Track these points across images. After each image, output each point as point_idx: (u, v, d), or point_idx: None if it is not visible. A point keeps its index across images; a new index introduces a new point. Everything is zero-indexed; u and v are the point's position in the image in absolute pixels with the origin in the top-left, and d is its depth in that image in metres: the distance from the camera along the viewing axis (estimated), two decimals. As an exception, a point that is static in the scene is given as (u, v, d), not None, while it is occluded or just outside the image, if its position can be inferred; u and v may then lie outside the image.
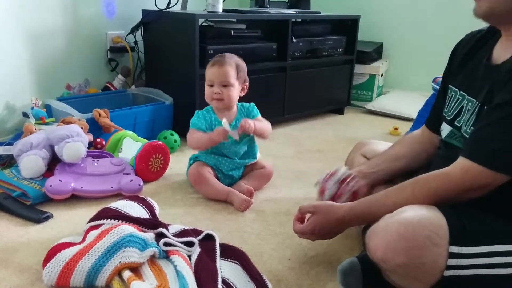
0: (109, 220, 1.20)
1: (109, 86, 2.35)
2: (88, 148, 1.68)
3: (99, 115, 1.86)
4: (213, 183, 1.58)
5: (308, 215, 1.16)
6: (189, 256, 1.14)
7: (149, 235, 1.16)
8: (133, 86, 2.41)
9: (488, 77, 0.99)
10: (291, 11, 2.54)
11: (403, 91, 3.10)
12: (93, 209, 1.32)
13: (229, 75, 1.58)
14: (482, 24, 1.09)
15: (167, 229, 1.22)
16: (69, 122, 1.76)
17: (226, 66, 1.58)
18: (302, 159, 2.06)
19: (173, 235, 1.21)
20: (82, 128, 1.70)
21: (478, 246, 0.87)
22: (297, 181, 1.79)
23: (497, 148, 0.90)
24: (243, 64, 1.66)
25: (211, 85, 1.60)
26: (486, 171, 0.90)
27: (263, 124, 1.66)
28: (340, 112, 2.89)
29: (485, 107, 0.96)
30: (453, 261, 0.85)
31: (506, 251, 0.88)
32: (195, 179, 1.60)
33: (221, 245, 1.22)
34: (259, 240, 1.33)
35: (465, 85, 1.08)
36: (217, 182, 1.59)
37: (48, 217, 1.40)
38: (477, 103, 1.00)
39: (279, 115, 2.49)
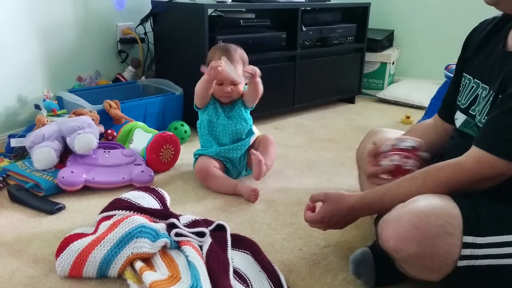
0: (120, 211, 1.21)
1: (120, 77, 2.36)
2: (99, 139, 1.68)
3: (110, 106, 1.87)
4: (220, 177, 1.58)
5: (319, 204, 1.15)
6: (201, 247, 1.15)
7: (161, 226, 1.16)
8: (143, 77, 2.41)
9: (503, 64, 0.96)
10: (301, 0, 2.50)
11: (415, 79, 3.06)
12: (105, 200, 1.33)
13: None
14: (495, 12, 1.07)
15: (178, 219, 1.22)
16: (80, 114, 1.77)
17: (235, 66, 1.57)
18: (313, 148, 2.05)
19: (184, 226, 1.21)
20: (93, 119, 1.71)
21: (493, 236, 0.85)
22: (308, 171, 1.78)
23: (510, 137, 0.88)
24: (245, 55, 1.67)
25: (221, 84, 1.60)
26: (499, 161, 0.88)
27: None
28: (351, 101, 2.87)
29: (500, 96, 0.93)
30: (467, 251, 0.84)
31: (521, 240, 0.86)
32: (201, 175, 1.59)
33: (232, 236, 1.22)
34: (270, 230, 1.33)
35: (480, 72, 1.05)
36: (224, 176, 1.59)
37: (61, 208, 1.41)
38: (491, 91, 0.97)
39: (289, 104, 2.48)
